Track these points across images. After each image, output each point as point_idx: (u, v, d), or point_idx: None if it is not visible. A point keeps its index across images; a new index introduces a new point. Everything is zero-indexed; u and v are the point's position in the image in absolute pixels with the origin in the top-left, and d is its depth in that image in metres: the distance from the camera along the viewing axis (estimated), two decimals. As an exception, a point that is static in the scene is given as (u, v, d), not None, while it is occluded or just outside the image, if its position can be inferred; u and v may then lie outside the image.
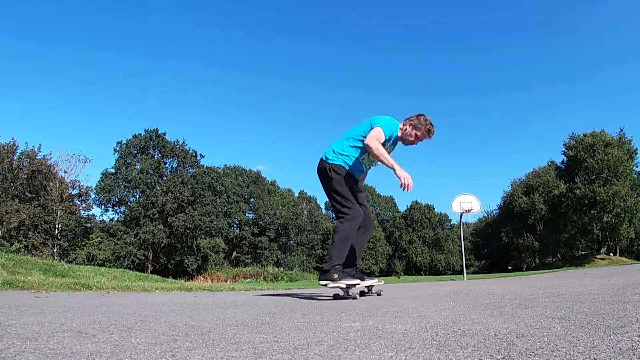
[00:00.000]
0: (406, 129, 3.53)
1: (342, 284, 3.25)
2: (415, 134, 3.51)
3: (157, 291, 5.46)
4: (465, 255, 23.59)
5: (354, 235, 3.44)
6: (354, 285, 3.34)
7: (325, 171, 3.47)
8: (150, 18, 72.93)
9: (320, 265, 50.77)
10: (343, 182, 3.42)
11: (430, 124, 3.54)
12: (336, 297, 3.36)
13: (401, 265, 54.77)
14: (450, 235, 62.22)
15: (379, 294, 3.81)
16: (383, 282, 4.12)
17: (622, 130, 39.17)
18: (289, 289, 8.42)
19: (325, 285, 3.31)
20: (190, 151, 41.98)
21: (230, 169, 52.50)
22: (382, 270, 55.34)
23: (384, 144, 3.41)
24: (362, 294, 3.76)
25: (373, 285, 3.80)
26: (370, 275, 51.37)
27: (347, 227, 3.37)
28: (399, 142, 3.65)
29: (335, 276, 3.25)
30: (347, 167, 3.47)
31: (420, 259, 59.58)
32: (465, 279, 15.50)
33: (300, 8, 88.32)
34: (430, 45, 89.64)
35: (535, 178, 47.80)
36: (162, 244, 38.03)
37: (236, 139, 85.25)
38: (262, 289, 7.72)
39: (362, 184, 3.83)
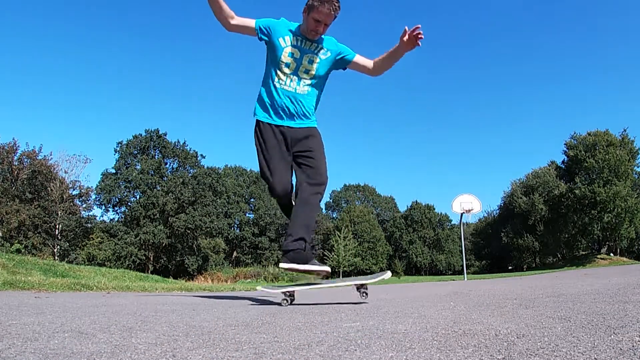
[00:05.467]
0: (304, 20, 2.73)
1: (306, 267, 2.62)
2: (313, 18, 2.64)
3: (157, 291, 5.47)
4: (465, 256, 23.58)
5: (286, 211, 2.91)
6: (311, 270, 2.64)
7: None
8: (152, 18, 73.04)
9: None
10: (261, 146, 2.75)
11: None
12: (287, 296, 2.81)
13: (402, 266, 54.72)
14: (451, 235, 62.21)
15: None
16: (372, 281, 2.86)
17: (625, 130, 39.18)
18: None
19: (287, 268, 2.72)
20: (191, 151, 42.03)
21: (231, 169, 52.57)
22: (383, 270, 55.35)
23: (275, 46, 2.69)
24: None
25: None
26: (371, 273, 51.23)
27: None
28: (313, 44, 2.75)
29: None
30: (262, 115, 2.76)
31: (421, 259, 59.58)
32: (465, 279, 15.49)
33: (300, 9, 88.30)
34: (430, 43, 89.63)
35: (535, 178, 47.78)
36: (163, 244, 38.05)
37: (237, 139, 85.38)
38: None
39: (307, 125, 2.77)
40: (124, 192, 38.53)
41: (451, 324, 1.64)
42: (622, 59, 76.03)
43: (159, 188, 38.91)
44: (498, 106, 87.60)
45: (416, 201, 63.08)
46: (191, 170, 42.09)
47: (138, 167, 39.19)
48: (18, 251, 20.39)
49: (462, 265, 19.41)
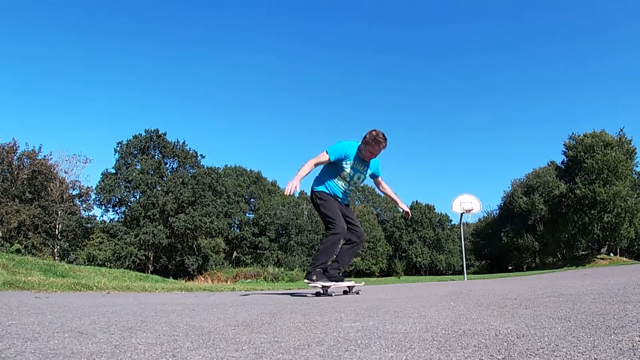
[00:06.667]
0: (361, 148, 4.02)
1: (319, 284, 3.98)
2: (369, 150, 3.95)
3: (157, 291, 5.46)
4: (465, 256, 23.57)
5: (336, 245, 4.07)
6: (329, 286, 4.03)
7: (312, 198, 4.26)
8: (151, 18, 73.02)
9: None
10: (326, 204, 4.10)
11: (377, 136, 3.90)
12: (317, 294, 4.09)
13: (401, 266, 54.71)
14: (451, 235, 62.17)
15: (358, 293, 4.46)
16: (363, 283, 4.78)
17: (622, 130, 39.21)
18: (290, 289, 8.43)
19: (307, 283, 4.06)
20: (191, 151, 41.98)
21: (230, 169, 52.51)
22: (383, 270, 55.32)
23: (341, 166, 4.07)
24: (344, 292, 4.47)
25: (353, 286, 4.48)
26: (371, 275, 51.44)
27: (331, 238, 4.03)
28: (363, 166, 4.18)
29: (314, 277, 3.96)
30: (327, 191, 4.16)
31: (421, 259, 59.56)
32: (465, 279, 15.49)
33: (301, 10, 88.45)
34: (430, 44, 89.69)
35: (535, 178, 47.76)
36: (163, 245, 38.02)
37: (237, 139, 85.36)
38: (262, 289, 7.72)
39: (349, 204, 4.44)
40: (124, 192, 38.48)
41: (451, 324, 1.64)
42: (622, 58, 76.04)
43: (158, 188, 38.89)
44: (498, 106, 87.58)
45: (416, 201, 63.06)
46: (191, 170, 42.05)
47: (138, 167, 39.13)
48: (18, 251, 20.37)
49: (462, 265, 19.40)
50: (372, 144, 3.89)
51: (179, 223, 37.96)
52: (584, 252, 40.65)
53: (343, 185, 4.18)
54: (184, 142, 41.84)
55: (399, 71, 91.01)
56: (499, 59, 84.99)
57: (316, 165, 4.06)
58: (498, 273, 34.64)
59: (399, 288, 6.94)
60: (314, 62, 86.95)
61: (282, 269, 36.39)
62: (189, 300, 3.56)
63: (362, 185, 5.01)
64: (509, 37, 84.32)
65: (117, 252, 35.25)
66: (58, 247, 34.33)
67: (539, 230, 45.19)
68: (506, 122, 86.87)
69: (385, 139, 3.92)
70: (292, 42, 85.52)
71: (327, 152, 4.01)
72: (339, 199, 4.18)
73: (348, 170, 4.07)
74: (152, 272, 29.74)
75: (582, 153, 38.05)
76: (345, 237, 4.11)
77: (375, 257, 54.10)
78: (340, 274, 4.19)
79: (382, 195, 4.64)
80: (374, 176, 4.38)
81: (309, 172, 4.03)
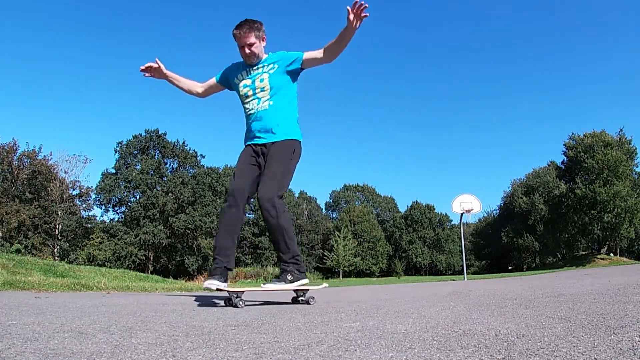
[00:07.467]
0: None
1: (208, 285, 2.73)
2: (240, 47, 3.03)
3: (157, 291, 5.46)
4: (465, 256, 23.58)
5: (224, 215, 3.03)
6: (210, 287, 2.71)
7: None
8: (151, 18, 73.00)
9: (320, 265, 50.16)
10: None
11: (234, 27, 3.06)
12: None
13: (401, 266, 54.69)
14: (451, 235, 62.15)
15: (309, 302, 3.03)
16: (325, 285, 3.28)
17: (621, 130, 39.23)
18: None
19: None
20: (191, 151, 42.01)
21: (230, 169, 52.47)
22: (383, 271, 55.30)
23: (236, 89, 3.21)
24: (294, 300, 3.18)
25: (304, 291, 3.09)
26: (371, 275, 51.34)
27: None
28: (249, 66, 3.11)
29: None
30: (244, 136, 3.29)
31: (421, 259, 59.53)
32: (465, 279, 15.49)
33: (302, 10, 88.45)
34: (430, 44, 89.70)
35: (535, 178, 47.78)
36: (163, 245, 38.01)
37: (237, 139, 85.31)
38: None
39: (275, 141, 3.07)
40: (123, 192, 38.49)
41: (451, 324, 1.64)
42: (622, 58, 76.03)
43: (158, 188, 38.89)
44: (498, 106, 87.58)
45: (416, 201, 63.04)
46: (191, 170, 42.06)
47: (138, 167, 39.14)
48: (18, 251, 20.37)
49: (462, 265, 19.41)
50: (234, 37, 3.02)
51: (179, 223, 37.96)
52: (584, 252, 40.65)
53: (249, 107, 3.12)
54: (184, 142, 41.91)
55: (399, 71, 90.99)
56: (499, 59, 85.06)
57: (202, 87, 3.33)
58: (498, 273, 34.65)
59: (399, 288, 6.95)
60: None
61: (282, 269, 36.36)
62: (189, 300, 3.56)
63: (276, 85, 3.04)
64: (509, 37, 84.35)
65: (117, 252, 35.24)
66: (58, 247, 34.34)
67: (539, 230, 45.19)
68: (506, 122, 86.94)
69: (245, 21, 3.00)
70: (292, 42, 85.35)
71: None
72: (253, 134, 3.11)
73: (240, 81, 3.13)
74: (152, 272, 29.74)
75: (582, 153, 38.06)
76: (233, 196, 3.00)
77: (375, 257, 54.06)
78: (224, 267, 2.81)
79: (331, 54, 2.99)
80: (296, 62, 3.07)
81: (181, 83, 3.29)
